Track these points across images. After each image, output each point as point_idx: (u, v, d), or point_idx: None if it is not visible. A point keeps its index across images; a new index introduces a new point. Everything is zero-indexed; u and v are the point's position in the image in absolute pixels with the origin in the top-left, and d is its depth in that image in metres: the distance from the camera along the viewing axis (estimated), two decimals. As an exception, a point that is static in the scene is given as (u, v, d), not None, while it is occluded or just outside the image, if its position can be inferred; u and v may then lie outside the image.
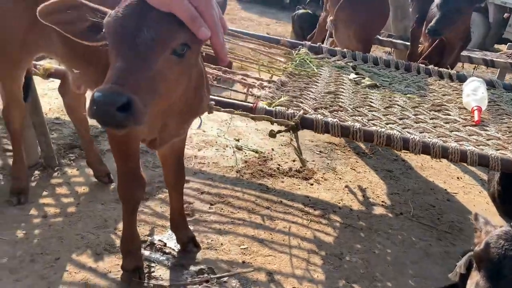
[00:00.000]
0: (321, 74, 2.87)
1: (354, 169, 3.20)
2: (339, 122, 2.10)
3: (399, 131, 2.19)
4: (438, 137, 2.23)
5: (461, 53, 4.18)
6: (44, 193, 2.42)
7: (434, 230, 2.61)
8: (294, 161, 3.17)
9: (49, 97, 3.49)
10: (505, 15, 8.21)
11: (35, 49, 1.94)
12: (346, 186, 2.94)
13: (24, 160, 2.34)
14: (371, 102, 2.56)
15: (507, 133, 2.42)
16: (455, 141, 2.20)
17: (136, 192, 1.78)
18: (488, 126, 2.46)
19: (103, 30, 1.09)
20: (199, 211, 2.44)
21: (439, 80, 3.20)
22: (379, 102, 2.59)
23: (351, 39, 3.60)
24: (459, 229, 2.66)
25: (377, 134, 2.09)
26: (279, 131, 2.11)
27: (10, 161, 2.43)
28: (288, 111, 2.12)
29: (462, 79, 3.19)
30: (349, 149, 3.50)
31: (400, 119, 2.40)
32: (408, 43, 4.99)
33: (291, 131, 2.10)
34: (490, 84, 3.13)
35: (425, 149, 2.06)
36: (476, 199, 3.05)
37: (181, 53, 1.11)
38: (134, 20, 1.05)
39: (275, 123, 2.10)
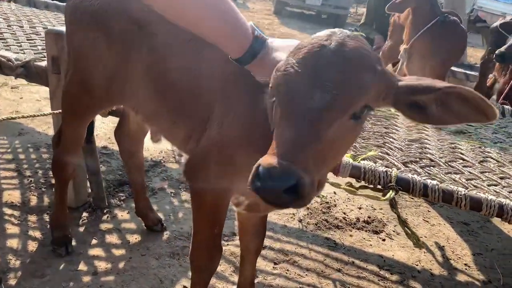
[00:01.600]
0: (399, 116, 2.56)
1: (427, 221, 2.86)
2: (439, 185, 1.78)
3: (508, 198, 1.86)
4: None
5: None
6: (94, 241, 2.18)
7: (531, 305, 2.24)
8: (360, 208, 2.86)
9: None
10: None
11: (116, 100, 1.67)
12: (422, 243, 2.60)
13: (66, 207, 2.09)
14: (461, 154, 2.23)
15: None
16: None
17: (215, 262, 1.52)
18: None
19: (270, 85, 0.94)
20: (263, 272, 2.15)
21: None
22: (471, 155, 2.26)
23: (425, 72, 3.27)
24: (558, 304, 2.29)
25: (487, 203, 1.78)
26: (365, 187, 1.81)
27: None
28: (379, 169, 1.82)
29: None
30: (416, 193, 3.16)
31: (501, 178, 2.07)
32: (469, 72, 4.64)
33: (390, 197, 1.80)
34: None
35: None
36: None
37: (360, 116, 0.89)
38: (311, 77, 0.87)
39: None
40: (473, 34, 8.62)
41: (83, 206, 2.41)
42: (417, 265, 2.40)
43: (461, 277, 2.37)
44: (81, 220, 2.32)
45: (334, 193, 2.97)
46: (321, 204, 2.82)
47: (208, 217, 1.43)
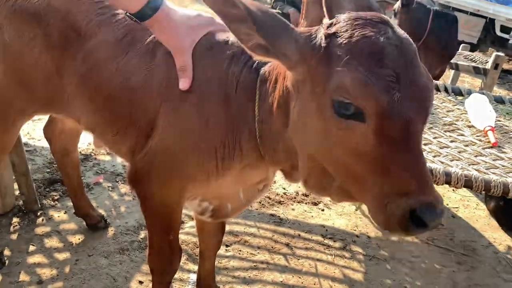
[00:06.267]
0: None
1: (357, 188, 3.08)
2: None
3: (434, 162, 2.09)
4: (469, 165, 2.16)
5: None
6: (31, 248, 2.02)
7: (451, 253, 2.56)
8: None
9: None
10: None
11: (55, 107, 1.52)
12: (356, 209, 2.81)
13: None
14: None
15: (524, 154, 2.41)
16: (485, 169, 2.15)
17: (174, 265, 1.48)
18: (504, 148, 2.43)
19: (356, 99, 0.85)
20: (217, 256, 2.17)
21: (437, 94, 3.16)
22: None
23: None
24: (472, 249, 2.64)
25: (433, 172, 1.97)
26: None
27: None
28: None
29: (457, 92, 3.19)
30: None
31: (425, 144, 2.30)
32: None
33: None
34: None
35: (468, 183, 1.97)
36: (476, 213, 3.07)
37: None
38: (418, 88, 0.86)
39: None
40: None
41: (11, 211, 2.20)
42: (355, 231, 2.60)
43: (393, 236, 2.62)
44: (12, 227, 2.12)
45: (272, 170, 3.06)
46: (261, 183, 2.89)
47: (160, 224, 1.39)
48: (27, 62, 1.37)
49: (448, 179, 1.96)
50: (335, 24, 0.92)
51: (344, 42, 0.87)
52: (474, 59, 5.04)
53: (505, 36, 7.76)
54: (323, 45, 0.90)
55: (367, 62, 0.84)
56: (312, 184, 1.04)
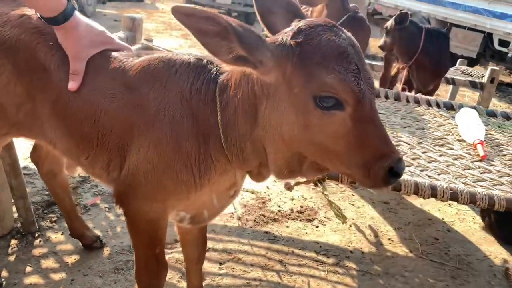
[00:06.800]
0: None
1: (353, 204, 3.11)
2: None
3: (421, 176, 2.12)
4: (456, 178, 2.20)
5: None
6: (28, 268, 2.07)
7: (446, 267, 2.57)
8: (292, 200, 3.02)
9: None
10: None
11: (28, 133, 1.58)
12: (351, 225, 2.84)
13: None
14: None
15: (513, 166, 2.44)
16: (473, 182, 2.18)
17: (161, 279, 1.53)
18: (493, 161, 2.46)
19: (349, 96, 1.03)
20: (210, 274, 2.21)
21: (429, 109, 3.21)
22: (386, 140, 2.51)
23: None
24: (467, 262, 2.64)
25: (404, 183, 2.01)
26: (298, 183, 1.96)
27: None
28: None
29: (448, 107, 3.23)
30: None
31: (413, 159, 2.34)
32: (373, 62, 5.07)
33: (318, 184, 1.96)
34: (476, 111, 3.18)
35: (453, 196, 2.00)
36: (472, 226, 3.07)
37: None
38: (369, 75, 1.08)
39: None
40: (372, 25, 9.33)
41: (10, 233, 2.26)
42: (349, 246, 2.62)
43: (387, 251, 2.64)
44: (10, 249, 2.18)
45: (267, 188, 3.10)
46: (256, 200, 2.93)
47: (147, 239, 1.45)
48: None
49: (434, 192, 2.00)
50: (299, 33, 1.07)
51: (316, 48, 1.04)
52: (471, 74, 5.09)
53: (504, 50, 7.81)
54: (296, 52, 1.05)
55: (340, 62, 1.02)
56: (286, 171, 1.19)
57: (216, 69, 1.28)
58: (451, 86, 5.16)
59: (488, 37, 7.96)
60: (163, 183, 1.32)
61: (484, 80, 4.61)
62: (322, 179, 1.98)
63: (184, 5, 1.02)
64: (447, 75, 4.60)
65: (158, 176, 1.31)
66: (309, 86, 1.04)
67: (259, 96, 1.14)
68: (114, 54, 1.41)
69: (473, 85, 4.64)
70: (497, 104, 7.49)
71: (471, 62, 7.99)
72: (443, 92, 6.83)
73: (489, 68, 4.63)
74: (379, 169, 1.05)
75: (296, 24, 1.10)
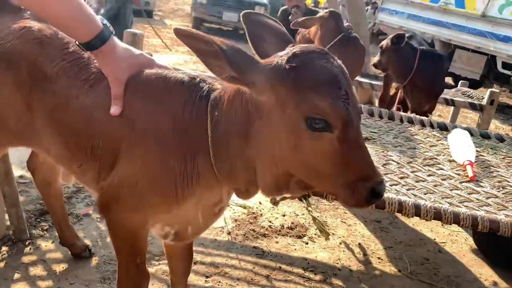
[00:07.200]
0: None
1: (344, 222, 3.12)
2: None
3: (407, 195, 2.14)
4: (443, 198, 2.21)
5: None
6: (16, 275, 2.10)
7: (434, 287, 2.56)
8: (284, 216, 3.04)
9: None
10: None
11: (26, 142, 1.64)
12: (341, 243, 2.84)
13: None
14: (367, 159, 2.51)
15: (501, 188, 2.44)
16: (459, 202, 2.19)
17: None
18: (482, 182, 2.47)
19: (327, 117, 1.08)
20: (196, 286, 2.23)
21: (422, 129, 3.24)
22: (376, 159, 2.54)
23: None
24: (457, 284, 2.64)
25: (388, 201, 2.03)
26: (284, 198, 1.99)
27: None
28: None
29: (442, 127, 3.26)
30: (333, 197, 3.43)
31: (401, 178, 2.36)
32: (374, 82, 5.09)
33: (302, 199, 1.99)
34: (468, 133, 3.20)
35: (437, 215, 2.01)
36: (464, 248, 3.06)
37: None
38: (356, 100, 1.14)
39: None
40: (377, 46, 9.42)
41: (1, 240, 2.31)
42: (337, 264, 2.63)
43: (376, 270, 2.64)
44: (0, 255, 2.22)
45: (260, 203, 3.13)
46: (248, 215, 2.96)
47: (127, 249, 1.48)
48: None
49: (417, 211, 2.01)
50: (294, 57, 1.13)
51: (310, 73, 1.11)
52: (471, 95, 5.11)
53: (507, 72, 7.84)
54: (291, 77, 1.11)
55: (331, 87, 1.10)
56: (274, 188, 1.25)
57: (209, 86, 1.33)
58: (452, 107, 5.18)
59: (492, 59, 8.00)
60: (146, 197, 1.36)
61: (484, 102, 4.64)
62: (307, 195, 2.01)
63: (184, 28, 1.12)
64: (447, 96, 4.64)
65: (141, 190, 1.35)
66: (301, 108, 1.10)
67: (252, 114, 1.19)
68: None
69: (473, 107, 4.66)
70: (499, 127, 7.48)
71: (475, 84, 8.03)
72: (446, 113, 6.85)
73: (489, 90, 4.66)
74: (362, 189, 1.11)
75: (291, 49, 1.15)
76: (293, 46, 1.20)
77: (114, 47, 1.31)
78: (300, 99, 1.10)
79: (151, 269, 2.26)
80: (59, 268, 2.20)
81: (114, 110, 1.32)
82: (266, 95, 1.14)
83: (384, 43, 3.86)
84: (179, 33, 1.10)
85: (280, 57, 1.15)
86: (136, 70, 1.36)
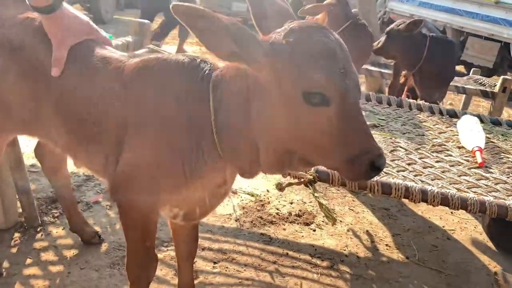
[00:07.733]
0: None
1: (352, 209, 3.12)
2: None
3: (414, 181, 2.13)
4: (450, 184, 2.19)
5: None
6: (28, 260, 2.15)
7: (442, 274, 2.55)
8: (291, 203, 3.05)
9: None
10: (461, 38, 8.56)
11: (33, 132, 1.67)
12: (349, 230, 2.84)
13: None
14: (375, 146, 2.50)
15: (510, 174, 2.42)
16: (467, 188, 2.17)
17: (151, 272, 1.58)
18: (491, 168, 2.45)
19: (323, 91, 1.09)
20: (203, 272, 2.25)
21: (431, 116, 3.20)
22: (383, 146, 2.53)
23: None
24: (465, 271, 2.62)
25: (395, 186, 2.02)
26: (290, 184, 1.99)
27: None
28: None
29: (451, 114, 3.22)
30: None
31: (409, 164, 2.35)
32: (384, 70, 5.04)
33: (309, 185, 1.99)
34: (479, 119, 3.16)
35: (444, 201, 2.00)
36: (473, 235, 3.04)
37: None
38: (355, 75, 1.13)
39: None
40: (387, 34, 9.31)
41: (14, 227, 2.36)
42: (344, 250, 2.63)
43: (383, 256, 2.64)
44: (13, 241, 2.27)
45: (267, 191, 3.14)
46: (255, 203, 2.97)
47: (138, 232, 1.51)
48: (3, 88, 1.53)
49: (424, 196, 2.01)
50: (291, 33, 1.13)
51: (307, 47, 1.11)
52: (483, 83, 5.03)
53: (521, 59, 7.69)
54: (288, 51, 1.11)
55: (328, 61, 1.09)
56: (275, 166, 1.25)
57: (210, 67, 1.34)
58: (464, 95, 5.10)
59: (505, 46, 7.84)
60: (155, 179, 1.38)
61: (496, 89, 4.57)
62: (313, 180, 2.01)
63: (184, 4, 1.09)
64: (458, 84, 4.57)
65: (151, 172, 1.37)
66: (299, 82, 1.10)
67: (252, 92, 1.20)
68: (108, 52, 1.49)
69: (484, 95, 4.59)
70: (512, 115, 7.36)
71: (489, 72, 7.89)
72: (457, 101, 6.76)
73: (501, 77, 4.58)
74: (361, 163, 1.12)
75: (288, 25, 1.16)
76: (291, 22, 1.20)
77: (63, 15, 1.44)
78: (297, 74, 1.10)
79: (159, 255, 2.29)
80: (69, 253, 2.24)
81: (55, 71, 1.40)
82: (265, 71, 1.15)
83: (391, 26, 3.80)
84: (177, 10, 1.07)
85: (278, 33, 1.16)
86: (80, 37, 1.47)
